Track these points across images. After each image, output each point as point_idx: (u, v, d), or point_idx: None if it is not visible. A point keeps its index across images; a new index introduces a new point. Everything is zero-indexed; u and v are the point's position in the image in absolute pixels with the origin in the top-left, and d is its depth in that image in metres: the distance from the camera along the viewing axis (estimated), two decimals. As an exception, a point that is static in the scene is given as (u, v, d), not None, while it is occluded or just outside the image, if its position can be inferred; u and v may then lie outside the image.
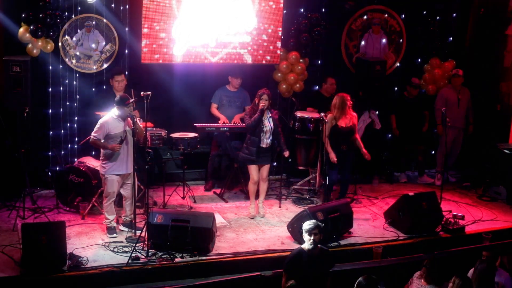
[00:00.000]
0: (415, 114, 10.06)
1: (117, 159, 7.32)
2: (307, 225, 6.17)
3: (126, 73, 8.79)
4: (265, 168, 8.30)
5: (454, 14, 10.42)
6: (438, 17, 10.35)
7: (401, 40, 10.51)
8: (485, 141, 10.27)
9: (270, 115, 8.23)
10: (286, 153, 8.40)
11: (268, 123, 8.17)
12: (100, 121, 7.33)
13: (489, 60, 10.69)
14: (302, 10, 9.78)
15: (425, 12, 10.40)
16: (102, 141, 7.27)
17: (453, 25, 10.53)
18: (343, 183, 8.78)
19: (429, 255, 6.27)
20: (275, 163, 9.67)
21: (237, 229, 7.95)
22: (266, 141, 8.16)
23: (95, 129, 7.32)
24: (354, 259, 7.28)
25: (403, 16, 10.43)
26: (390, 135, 10.32)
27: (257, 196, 8.45)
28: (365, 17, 10.26)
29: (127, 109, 7.28)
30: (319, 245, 6.17)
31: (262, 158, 8.22)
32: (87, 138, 8.41)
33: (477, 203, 9.34)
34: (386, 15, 10.38)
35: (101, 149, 7.38)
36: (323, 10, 9.88)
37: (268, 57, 9.57)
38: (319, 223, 6.22)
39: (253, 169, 8.24)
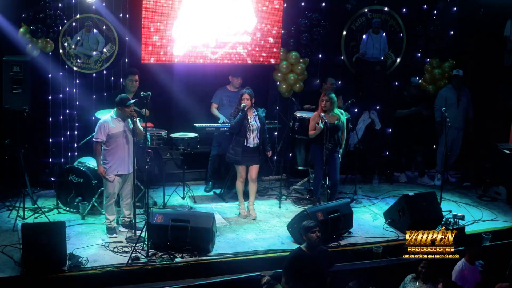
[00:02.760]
0: (414, 114, 10.04)
1: (117, 160, 7.33)
2: (306, 224, 6.17)
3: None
4: (254, 169, 8.21)
5: (454, 14, 10.41)
6: (437, 17, 10.34)
7: (401, 40, 10.51)
8: (485, 141, 10.27)
9: (256, 113, 8.19)
10: (269, 153, 8.37)
11: (255, 122, 8.14)
12: (99, 123, 7.34)
13: (489, 60, 10.68)
14: (302, 10, 9.77)
15: (425, 12, 10.40)
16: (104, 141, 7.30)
17: (453, 25, 10.52)
18: (332, 185, 8.60)
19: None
20: (275, 157, 9.66)
21: (237, 229, 7.95)
22: (252, 140, 8.10)
23: (95, 133, 7.33)
24: (354, 259, 7.29)
25: (403, 16, 10.43)
26: (390, 135, 10.32)
27: (247, 197, 8.42)
28: (365, 17, 10.26)
29: (127, 109, 7.28)
30: (318, 245, 6.17)
31: (249, 158, 8.13)
32: (87, 138, 8.43)
33: (477, 203, 9.34)
34: (386, 15, 10.38)
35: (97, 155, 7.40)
36: (323, 10, 9.87)
37: (268, 57, 9.57)
38: (318, 223, 6.23)
39: (240, 168, 8.20)
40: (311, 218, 7.13)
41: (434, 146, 10.49)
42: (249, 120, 8.06)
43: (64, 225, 6.65)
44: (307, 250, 6.14)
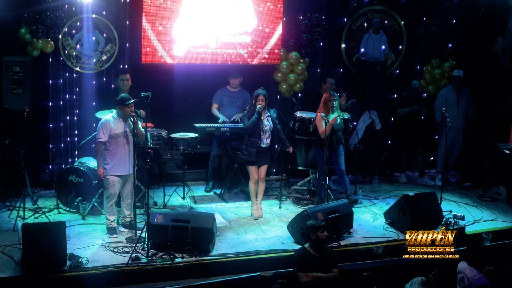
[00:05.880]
0: (414, 114, 10.04)
1: (118, 160, 7.33)
2: (316, 224, 6.16)
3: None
4: (263, 168, 8.29)
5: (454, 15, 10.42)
6: (438, 18, 10.34)
7: (401, 41, 10.51)
8: (485, 141, 10.27)
9: (268, 114, 8.22)
10: (290, 149, 8.44)
11: (268, 123, 8.17)
12: (100, 123, 7.34)
13: (489, 60, 10.68)
14: (302, 10, 9.77)
15: (425, 12, 10.40)
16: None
17: (453, 24, 10.52)
18: (341, 176, 8.76)
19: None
20: (275, 163, 9.69)
21: (237, 229, 7.95)
22: (265, 141, 8.15)
23: (97, 132, 7.33)
24: (354, 259, 7.29)
25: (403, 16, 10.43)
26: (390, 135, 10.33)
27: (248, 198, 8.46)
28: (365, 17, 10.26)
29: (128, 109, 7.28)
30: (324, 244, 6.19)
31: (261, 159, 8.20)
32: (87, 138, 8.43)
33: (477, 203, 9.34)
34: (386, 15, 10.37)
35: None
36: (323, 10, 9.87)
37: (268, 57, 9.57)
38: (323, 222, 6.24)
39: (253, 169, 8.24)
40: (311, 218, 7.13)
41: (432, 155, 10.51)
42: (263, 121, 8.09)
43: (64, 225, 6.64)
44: (311, 249, 6.15)
